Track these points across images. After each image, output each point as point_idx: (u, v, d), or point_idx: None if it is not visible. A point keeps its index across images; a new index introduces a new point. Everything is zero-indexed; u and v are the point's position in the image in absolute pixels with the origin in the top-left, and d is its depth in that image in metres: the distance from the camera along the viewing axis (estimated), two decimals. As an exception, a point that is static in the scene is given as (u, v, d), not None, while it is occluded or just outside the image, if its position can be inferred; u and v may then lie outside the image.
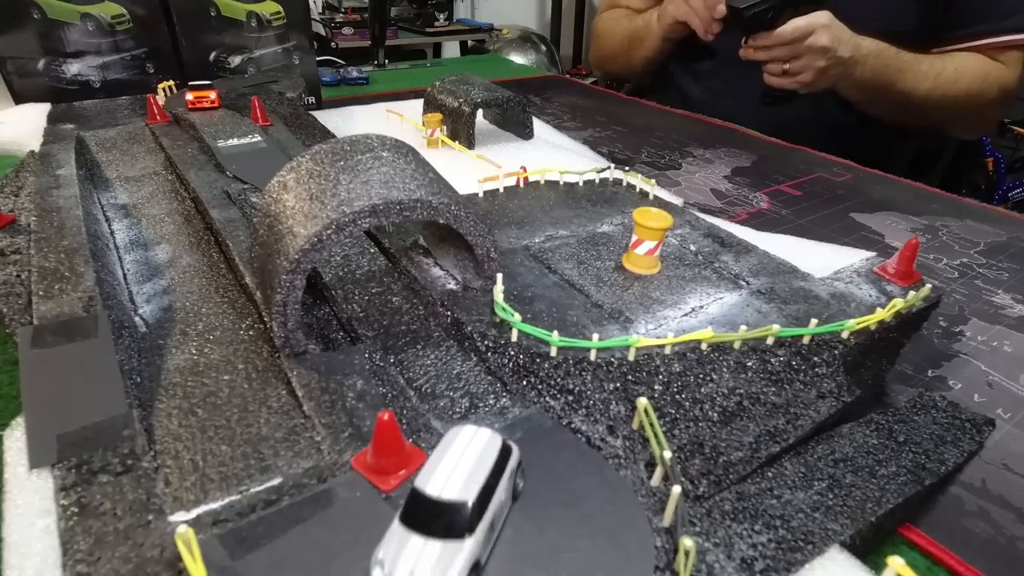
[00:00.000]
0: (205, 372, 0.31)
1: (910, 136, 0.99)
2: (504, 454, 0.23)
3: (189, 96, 0.62)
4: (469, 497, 0.21)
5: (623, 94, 1.10)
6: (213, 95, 0.63)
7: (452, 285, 0.35)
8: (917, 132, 0.97)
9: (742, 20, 0.78)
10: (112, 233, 0.44)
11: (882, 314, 0.33)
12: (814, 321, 0.32)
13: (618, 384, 0.29)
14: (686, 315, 0.34)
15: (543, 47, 2.65)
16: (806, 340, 0.32)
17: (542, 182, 0.52)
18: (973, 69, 0.83)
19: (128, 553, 0.22)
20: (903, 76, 0.82)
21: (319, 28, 2.04)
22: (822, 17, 0.76)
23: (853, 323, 0.33)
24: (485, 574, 0.21)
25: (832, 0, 0.76)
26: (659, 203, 0.50)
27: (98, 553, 0.22)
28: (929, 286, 0.36)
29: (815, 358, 0.32)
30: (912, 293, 0.35)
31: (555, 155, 0.63)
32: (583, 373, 0.29)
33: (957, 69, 0.83)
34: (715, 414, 0.30)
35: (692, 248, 0.42)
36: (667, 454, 0.25)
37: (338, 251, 0.40)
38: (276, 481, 0.25)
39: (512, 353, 0.30)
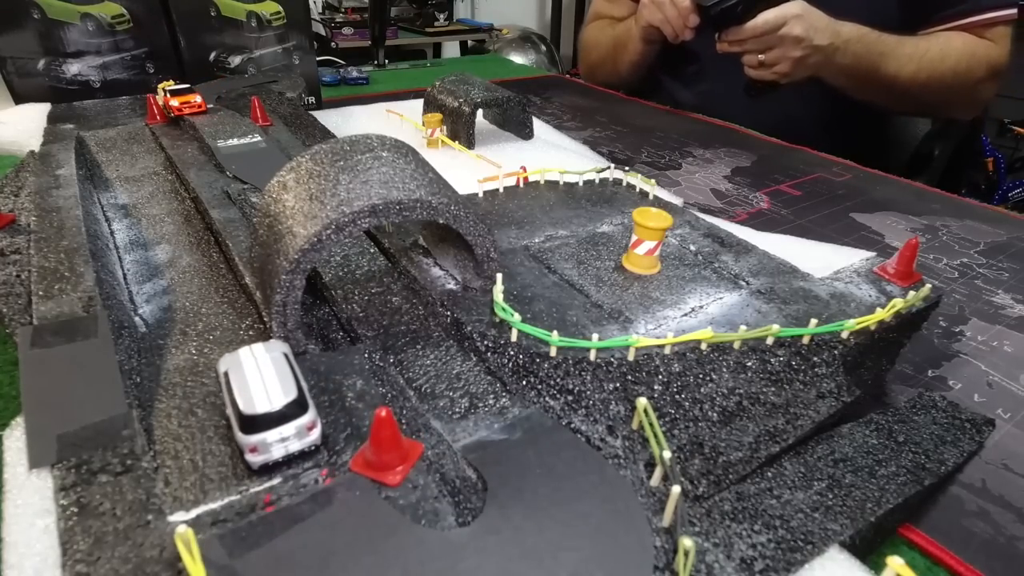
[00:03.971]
0: (205, 372, 0.31)
1: (908, 129, 0.98)
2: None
3: (174, 102, 0.60)
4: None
5: (623, 94, 1.10)
6: (199, 98, 0.61)
7: (452, 285, 0.35)
8: (910, 115, 0.96)
9: (710, 18, 0.78)
10: (112, 233, 0.44)
11: (882, 314, 0.33)
12: (814, 321, 0.32)
13: (618, 384, 0.29)
14: (686, 315, 0.34)
15: (543, 47, 2.65)
16: (806, 340, 0.32)
17: (542, 182, 0.52)
18: (959, 48, 0.83)
19: (127, 553, 0.22)
20: (886, 60, 0.81)
21: (319, 28, 2.05)
22: (794, 7, 0.75)
23: (853, 323, 0.32)
24: (484, 572, 0.21)
25: None
26: (659, 203, 0.50)
27: (97, 553, 0.22)
28: (929, 286, 0.36)
29: (815, 358, 0.32)
30: (912, 293, 0.35)
31: (555, 155, 0.63)
32: (583, 373, 0.29)
33: (942, 49, 0.82)
34: (715, 414, 0.30)
35: (692, 248, 0.42)
36: (667, 454, 0.25)
37: (338, 251, 0.40)
38: (276, 481, 0.25)
39: (512, 353, 0.30)
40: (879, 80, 0.82)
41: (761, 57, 0.79)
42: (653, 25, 0.87)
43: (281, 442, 0.25)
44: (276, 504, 0.24)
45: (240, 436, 0.24)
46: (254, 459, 0.25)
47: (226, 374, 0.26)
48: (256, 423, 0.24)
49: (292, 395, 0.25)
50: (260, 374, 0.25)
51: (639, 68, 1.03)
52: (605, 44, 1.07)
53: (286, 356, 0.27)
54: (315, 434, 0.25)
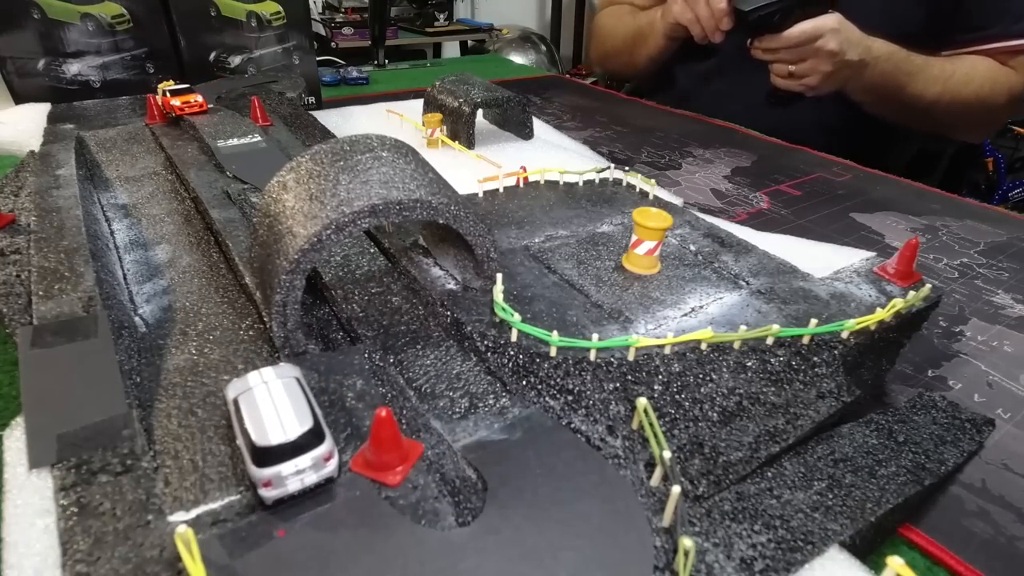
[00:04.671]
0: (205, 372, 0.31)
1: (911, 137, 0.98)
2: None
3: (175, 102, 0.60)
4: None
5: (623, 94, 1.10)
6: (200, 97, 0.61)
7: (452, 285, 0.35)
8: (923, 135, 0.96)
9: (747, 23, 0.77)
10: (112, 233, 0.44)
11: (882, 314, 0.33)
12: (814, 321, 0.32)
13: (618, 384, 0.29)
14: (686, 315, 0.34)
15: (543, 47, 2.65)
16: (806, 340, 0.32)
17: (542, 182, 0.52)
18: (982, 73, 0.83)
19: (127, 553, 0.22)
20: (913, 80, 0.81)
21: (319, 28, 2.05)
22: (830, 20, 0.74)
23: (853, 323, 0.32)
24: (484, 572, 0.21)
25: (839, 1, 0.76)
26: (659, 203, 0.50)
27: (97, 553, 0.22)
28: (929, 286, 0.36)
29: (815, 358, 0.32)
30: (912, 293, 0.35)
31: (555, 155, 0.63)
32: (583, 373, 0.29)
33: (967, 73, 0.82)
34: (715, 414, 0.30)
35: (692, 248, 0.42)
36: (667, 454, 0.25)
37: (338, 251, 0.40)
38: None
39: (512, 353, 0.30)
40: (902, 99, 0.82)
41: (791, 68, 0.78)
42: (681, 24, 0.86)
43: (297, 475, 0.23)
44: (276, 505, 0.24)
45: (253, 470, 0.23)
46: (268, 494, 0.23)
47: (235, 402, 0.25)
48: (270, 455, 0.23)
49: (308, 424, 0.24)
50: (272, 402, 0.24)
51: (657, 63, 1.01)
52: (623, 34, 1.05)
53: (298, 381, 0.26)
54: (332, 465, 0.24)
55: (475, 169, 0.56)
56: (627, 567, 0.22)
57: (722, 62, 0.97)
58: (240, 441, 0.24)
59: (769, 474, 0.28)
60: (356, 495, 0.24)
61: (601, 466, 0.26)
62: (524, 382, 0.30)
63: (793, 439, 0.29)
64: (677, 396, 0.30)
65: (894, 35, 0.80)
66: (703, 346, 0.31)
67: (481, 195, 0.49)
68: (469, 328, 0.32)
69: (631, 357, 0.30)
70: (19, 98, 0.72)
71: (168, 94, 0.60)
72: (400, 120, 0.72)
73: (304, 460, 0.23)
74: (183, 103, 0.60)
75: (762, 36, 0.78)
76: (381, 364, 0.31)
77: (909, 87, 0.81)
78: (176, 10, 0.75)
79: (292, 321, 0.30)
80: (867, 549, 0.27)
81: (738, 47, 0.82)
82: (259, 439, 0.23)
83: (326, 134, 0.66)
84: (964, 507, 0.31)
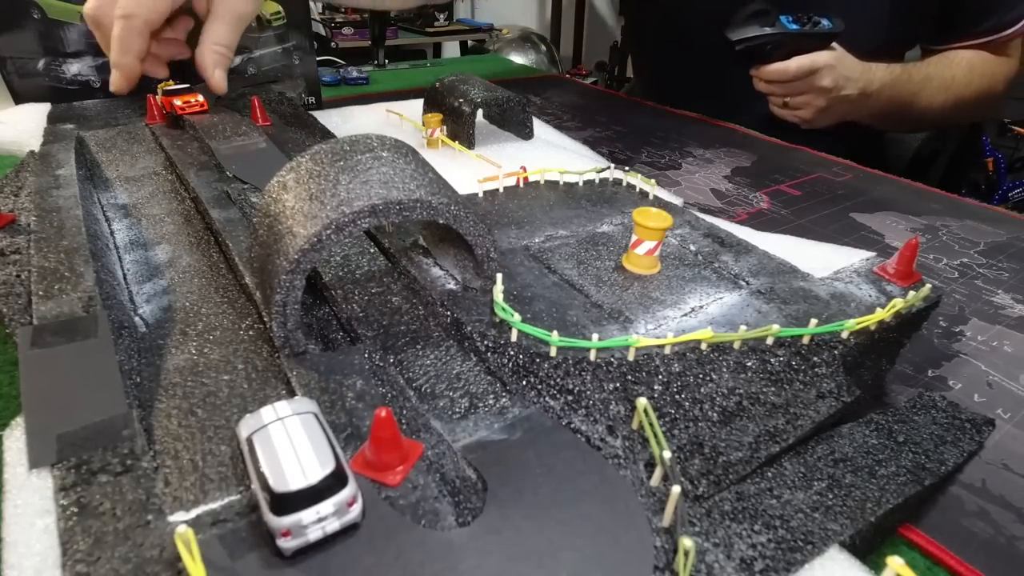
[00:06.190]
0: (205, 372, 0.31)
1: (910, 137, 0.99)
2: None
3: (177, 101, 0.60)
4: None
5: (623, 94, 1.10)
6: (200, 97, 0.61)
7: (452, 285, 0.35)
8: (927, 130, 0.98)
9: (734, 54, 0.77)
10: (112, 233, 0.44)
11: (882, 314, 0.33)
12: (814, 321, 0.32)
13: (618, 384, 0.29)
14: (686, 315, 0.34)
15: (543, 47, 2.65)
16: (806, 340, 0.32)
17: (542, 182, 0.52)
18: (980, 70, 0.84)
19: (127, 553, 0.22)
20: (917, 98, 0.81)
21: (319, 28, 2.05)
22: (827, 57, 0.74)
23: (853, 323, 0.32)
24: (484, 572, 0.21)
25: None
26: (659, 203, 0.50)
27: (97, 553, 0.22)
28: (929, 286, 0.36)
29: (815, 358, 0.32)
30: (912, 293, 0.35)
31: (555, 155, 0.63)
32: (583, 373, 0.29)
33: (967, 75, 0.83)
34: (715, 414, 0.30)
35: (692, 248, 0.42)
36: (667, 454, 0.25)
37: (338, 251, 0.40)
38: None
39: (512, 353, 0.30)
40: (910, 115, 0.83)
41: (787, 100, 0.78)
42: None
43: (318, 523, 0.21)
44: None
45: (271, 518, 0.21)
46: (287, 544, 0.21)
47: (249, 440, 0.23)
48: (290, 502, 0.21)
49: (330, 466, 0.22)
50: (290, 441, 0.22)
51: None
52: None
53: (316, 417, 0.24)
54: (356, 510, 0.22)
55: (475, 169, 0.56)
56: (627, 567, 0.22)
57: (723, 86, 0.97)
58: (255, 485, 0.22)
59: (769, 474, 0.28)
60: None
61: (601, 466, 0.26)
62: (524, 382, 0.30)
63: (793, 439, 0.29)
64: (677, 396, 0.30)
65: (862, 41, 0.80)
66: (703, 346, 0.31)
67: (481, 195, 0.49)
68: (469, 328, 0.32)
69: (631, 357, 0.30)
70: (19, 98, 0.71)
71: (168, 94, 0.60)
72: (400, 120, 0.72)
73: (326, 506, 0.21)
74: (183, 103, 0.60)
75: (756, 67, 0.77)
76: (381, 364, 0.31)
77: (915, 104, 0.82)
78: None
79: (292, 321, 0.30)
80: (867, 549, 0.27)
81: (738, 74, 0.81)
82: (277, 484, 0.21)
83: (326, 134, 0.66)
84: (964, 507, 0.31)
